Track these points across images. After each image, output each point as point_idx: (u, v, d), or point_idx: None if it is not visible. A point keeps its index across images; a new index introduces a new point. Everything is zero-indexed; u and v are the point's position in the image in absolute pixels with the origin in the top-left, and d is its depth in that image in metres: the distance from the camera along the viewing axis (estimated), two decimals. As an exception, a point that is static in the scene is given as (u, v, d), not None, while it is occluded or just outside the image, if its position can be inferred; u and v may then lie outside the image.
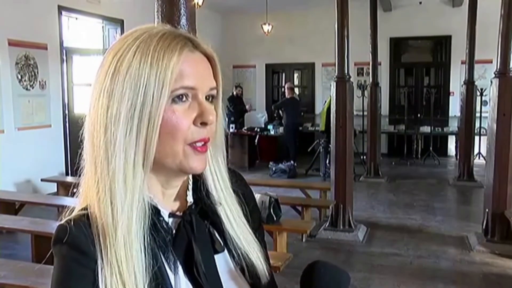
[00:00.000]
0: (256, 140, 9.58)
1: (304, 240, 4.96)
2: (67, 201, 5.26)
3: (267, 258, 0.85)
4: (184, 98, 0.72)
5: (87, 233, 0.70)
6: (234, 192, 0.84)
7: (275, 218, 3.95)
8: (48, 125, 7.09)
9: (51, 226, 3.90)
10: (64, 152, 7.38)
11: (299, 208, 5.19)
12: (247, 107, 10.77)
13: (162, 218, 0.76)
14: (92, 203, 0.72)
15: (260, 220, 0.93)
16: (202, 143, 0.74)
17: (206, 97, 0.74)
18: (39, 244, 3.90)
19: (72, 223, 0.71)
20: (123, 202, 0.70)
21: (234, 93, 10.45)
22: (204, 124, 0.73)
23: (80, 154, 0.75)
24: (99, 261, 0.69)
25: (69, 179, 6.71)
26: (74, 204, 0.77)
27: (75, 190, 0.79)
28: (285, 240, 4.09)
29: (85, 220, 0.71)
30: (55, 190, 6.35)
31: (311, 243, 4.93)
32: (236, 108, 10.14)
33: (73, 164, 7.44)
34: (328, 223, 5.22)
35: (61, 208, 5.56)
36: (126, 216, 0.69)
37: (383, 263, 4.45)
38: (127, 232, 0.69)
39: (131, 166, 0.70)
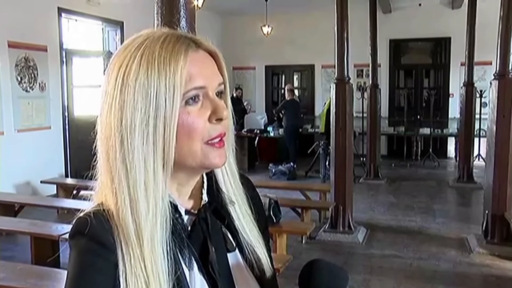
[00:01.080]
0: (256, 142, 9.58)
1: (304, 241, 4.96)
2: (66, 203, 5.27)
3: (271, 257, 0.87)
4: (196, 99, 0.73)
5: (107, 227, 0.71)
6: (243, 192, 0.86)
7: (275, 220, 3.95)
8: (47, 127, 7.09)
9: (51, 228, 3.91)
10: (63, 154, 7.38)
11: (299, 210, 5.18)
12: (246, 108, 10.78)
13: (178, 215, 0.77)
14: (109, 208, 0.72)
15: (266, 225, 0.94)
16: (219, 138, 0.75)
17: (216, 94, 0.76)
18: (39, 246, 3.90)
19: (92, 215, 0.71)
20: (146, 211, 0.70)
21: (234, 94, 10.46)
22: (219, 120, 0.74)
23: (93, 162, 0.76)
24: (120, 259, 0.69)
25: (69, 181, 6.72)
26: (74, 206, 0.77)
27: (75, 192, 0.80)
28: (285, 242, 4.09)
29: (104, 215, 0.72)
30: (55, 192, 6.35)
31: (311, 245, 4.93)
32: (236, 109, 10.14)
33: (73, 166, 7.47)
34: (328, 225, 5.22)
35: (60, 210, 5.58)
36: (149, 225, 0.70)
37: (383, 265, 4.44)
38: (151, 240, 0.70)
39: (152, 174, 0.71)
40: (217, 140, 0.75)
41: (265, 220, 0.95)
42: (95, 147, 0.76)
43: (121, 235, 0.70)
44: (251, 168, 9.32)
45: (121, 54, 0.73)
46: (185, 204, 0.80)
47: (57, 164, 7.22)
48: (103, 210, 0.72)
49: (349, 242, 4.99)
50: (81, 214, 0.73)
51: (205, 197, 0.82)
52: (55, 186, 6.35)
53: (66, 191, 6.11)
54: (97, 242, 0.70)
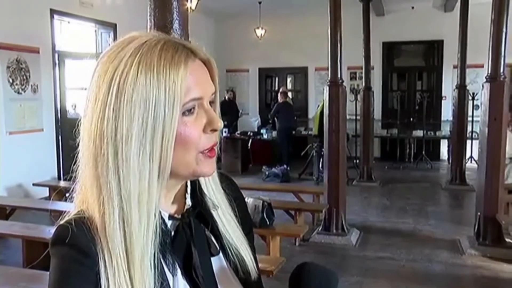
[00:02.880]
0: (249, 144, 9.58)
1: (297, 244, 4.96)
2: (59, 205, 5.23)
3: (255, 259, 0.86)
4: (192, 110, 0.72)
5: (89, 235, 0.69)
6: (225, 195, 0.85)
7: (268, 222, 3.94)
8: (40, 129, 7.05)
9: (43, 231, 3.88)
10: (56, 156, 7.34)
11: (292, 212, 5.18)
12: (239, 110, 10.79)
13: (162, 221, 0.76)
14: (91, 218, 0.70)
15: (251, 225, 0.93)
16: (210, 149, 0.75)
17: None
18: (31, 249, 3.87)
19: (73, 223, 0.70)
20: (139, 225, 0.69)
21: (226, 97, 10.44)
22: (214, 130, 0.74)
23: (74, 167, 0.74)
24: (101, 267, 0.68)
25: (62, 183, 6.67)
26: (67, 208, 0.76)
27: (67, 195, 0.78)
28: (278, 244, 4.09)
29: (86, 222, 0.70)
30: (47, 194, 6.30)
31: (304, 247, 4.93)
32: (230, 112, 10.13)
33: (65, 169, 7.42)
34: (321, 227, 5.22)
35: (53, 213, 5.52)
36: (142, 239, 0.69)
37: (376, 267, 4.45)
38: (141, 254, 0.69)
39: (146, 186, 0.69)
40: (209, 150, 0.75)
41: (250, 221, 0.94)
42: (77, 151, 0.73)
43: (105, 247, 0.68)
44: (245, 170, 9.31)
45: (112, 59, 0.70)
46: (168, 209, 0.78)
47: (49, 166, 7.17)
48: (85, 218, 0.70)
49: (343, 244, 4.99)
50: (62, 222, 0.71)
51: (188, 202, 0.81)
52: (47, 188, 6.31)
53: (58, 193, 6.06)
54: (78, 250, 0.68)
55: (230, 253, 0.82)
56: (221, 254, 0.82)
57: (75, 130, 0.74)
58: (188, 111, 0.72)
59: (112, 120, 0.68)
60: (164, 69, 0.69)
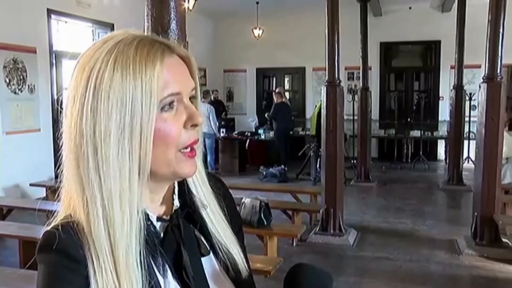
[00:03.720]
0: (246, 145, 9.58)
1: (294, 244, 4.96)
2: (56, 206, 5.22)
3: (246, 258, 0.86)
4: (171, 105, 0.72)
5: (76, 240, 0.68)
6: (214, 194, 0.85)
7: (265, 223, 3.94)
8: (37, 129, 7.03)
9: (40, 232, 3.83)
10: (53, 156, 7.31)
11: (290, 213, 5.18)
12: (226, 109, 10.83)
13: (150, 223, 0.75)
14: (77, 220, 0.70)
15: (240, 224, 0.93)
16: (190, 148, 0.74)
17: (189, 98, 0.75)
18: (27, 250, 3.86)
19: (60, 229, 0.69)
20: (121, 223, 0.68)
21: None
22: (194, 126, 0.73)
23: (58, 168, 0.74)
24: (91, 272, 0.67)
25: (59, 184, 6.65)
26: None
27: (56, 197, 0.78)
28: (275, 244, 4.09)
29: (73, 227, 0.69)
30: (44, 195, 6.28)
31: (302, 247, 4.93)
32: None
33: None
34: (318, 227, 5.22)
35: (50, 213, 5.50)
36: (125, 237, 0.68)
37: (374, 267, 4.45)
38: (126, 252, 0.68)
39: (127, 184, 0.69)
40: (188, 149, 0.74)
41: (239, 219, 0.94)
42: (60, 153, 0.73)
43: (92, 249, 0.68)
44: (242, 170, 9.30)
45: (89, 58, 0.70)
46: (156, 210, 0.78)
47: (46, 166, 7.14)
48: (72, 222, 0.70)
49: (340, 244, 4.99)
50: (49, 228, 0.71)
51: (176, 203, 0.81)
52: (44, 189, 6.28)
53: (55, 194, 6.04)
54: (66, 256, 0.68)
55: (220, 253, 0.81)
56: (211, 254, 0.81)
57: (58, 133, 0.74)
58: (167, 107, 0.71)
59: (90, 119, 0.68)
60: (140, 65, 0.69)
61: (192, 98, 0.76)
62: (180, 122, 0.72)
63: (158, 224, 0.77)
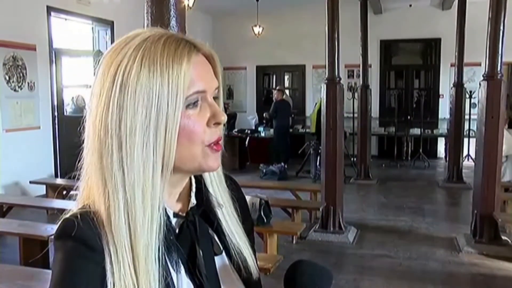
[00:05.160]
0: (246, 142, 9.58)
1: (294, 242, 4.97)
2: (56, 203, 5.22)
3: (256, 259, 0.87)
4: (196, 103, 0.73)
5: (95, 230, 0.69)
6: (229, 193, 0.85)
7: (265, 220, 3.95)
8: (37, 127, 7.03)
9: (40, 229, 3.87)
10: (53, 154, 7.33)
11: (290, 210, 5.19)
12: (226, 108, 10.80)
13: (167, 218, 0.76)
14: (97, 212, 0.70)
15: (252, 226, 0.94)
16: (216, 142, 0.75)
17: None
18: (28, 247, 3.86)
19: (79, 217, 0.69)
20: (143, 217, 0.69)
21: None
22: (217, 124, 0.74)
23: (77, 162, 0.74)
24: (108, 265, 0.67)
25: (59, 181, 6.67)
26: (64, 206, 0.76)
27: (64, 193, 0.78)
28: (275, 242, 4.09)
29: (92, 217, 0.70)
30: (44, 192, 6.29)
31: (302, 245, 4.94)
32: None
33: (62, 166, 7.41)
34: (318, 225, 5.23)
35: (50, 211, 5.53)
36: (146, 232, 0.69)
37: (373, 265, 4.46)
38: (146, 247, 0.69)
39: (150, 179, 0.70)
40: (215, 143, 0.75)
41: (251, 222, 0.94)
42: (82, 146, 0.73)
43: (111, 242, 0.68)
44: (242, 168, 9.31)
45: (117, 54, 0.71)
46: (173, 207, 0.79)
47: (46, 164, 7.16)
48: (91, 212, 0.70)
49: (340, 242, 5.00)
50: (68, 215, 0.71)
51: (193, 200, 0.81)
52: (44, 186, 6.29)
53: (55, 191, 6.05)
54: (84, 244, 0.68)
55: (233, 253, 0.82)
56: (224, 253, 0.82)
57: (80, 128, 0.74)
58: (192, 104, 0.72)
59: (116, 113, 0.69)
60: (167, 62, 0.69)
61: (215, 98, 0.76)
62: (204, 119, 0.73)
63: (174, 220, 0.78)
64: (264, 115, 9.72)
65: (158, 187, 0.70)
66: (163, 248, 0.71)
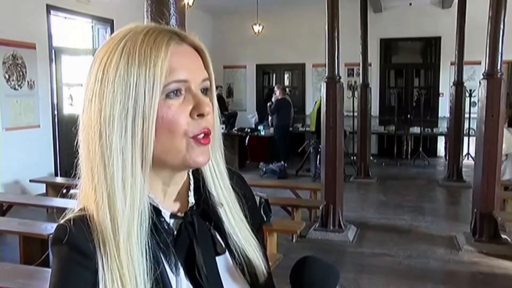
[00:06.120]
0: (246, 141, 9.58)
1: (294, 240, 4.97)
2: (56, 202, 5.23)
3: (266, 259, 0.85)
4: (178, 93, 0.71)
5: (87, 234, 0.69)
6: (234, 191, 0.83)
7: (265, 219, 3.95)
8: (37, 126, 7.03)
9: (40, 228, 3.87)
10: (53, 152, 7.32)
11: (290, 209, 5.19)
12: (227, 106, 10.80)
13: (163, 219, 0.75)
14: (90, 210, 0.71)
15: (260, 223, 0.92)
16: (203, 135, 0.73)
17: (201, 90, 0.74)
18: (28, 246, 3.87)
19: (72, 223, 0.70)
20: (123, 206, 0.69)
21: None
22: (201, 115, 0.72)
23: (76, 161, 0.74)
24: (99, 263, 0.68)
25: (58, 180, 6.67)
26: (64, 205, 0.76)
27: (64, 191, 0.79)
28: (275, 240, 4.10)
29: (84, 220, 0.70)
30: (44, 191, 6.29)
31: (301, 244, 4.94)
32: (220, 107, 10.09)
33: (62, 165, 7.40)
34: (318, 224, 5.23)
35: (50, 209, 5.53)
36: (126, 221, 0.68)
37: (373, 263, 4.46)
38: (128, 237, 0.68)
39: (130, 168, 0.69)
40: (201, 136, 0.72)
41: (259, 218, 0.92)
42: (77, 143, 0.74)
43: (99, 235, 0.68)
44: (242, 167, 9.30)
45: (104, 47, 0.72)
46: (171, 207, 0.77)
47: (46, 163, 7.15)
48: (86, 215, 0.70)
49: (340, 240, 5.00)
50: (62, 221, 0.71)
51: (191, 199, 0.79)
52: (44, 185, 6.29)
53: (55, 190, 6.06)
54: (76, 250, 0.68)
55: (236, 254, 0.80)
56: (227, 253, 0.80)
57: (76, 126, 0.75)
58: (173, 94, 0.71)
59: (97, 104, 0.69)
60: (145, 51, 0.69)
61: (206, 90, 0.75)
62: (186, 110, 0.71)
63: (171, 221, 0.76)
64: (268, 104, 9.64)
65: (138, 177, 0.70)
66: (154, 246, 0.71)
